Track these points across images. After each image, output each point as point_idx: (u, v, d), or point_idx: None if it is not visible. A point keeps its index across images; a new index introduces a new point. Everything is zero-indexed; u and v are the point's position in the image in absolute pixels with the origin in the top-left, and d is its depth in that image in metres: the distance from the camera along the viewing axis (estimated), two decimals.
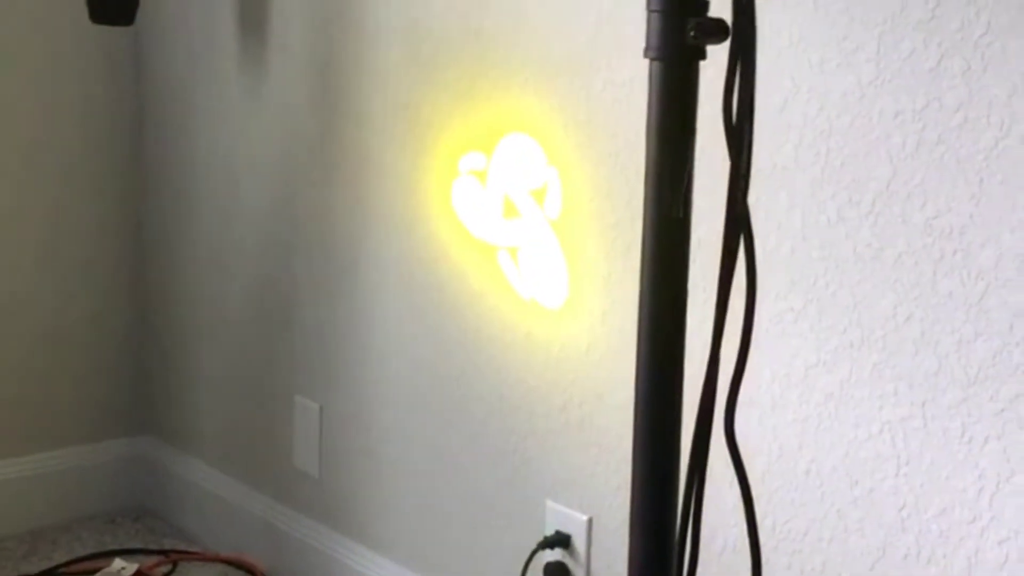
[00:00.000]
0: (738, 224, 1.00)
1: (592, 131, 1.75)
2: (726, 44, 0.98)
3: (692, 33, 0.97)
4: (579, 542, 1.83)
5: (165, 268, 2.64)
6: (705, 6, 0.98)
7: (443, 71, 1.97)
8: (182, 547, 2.54)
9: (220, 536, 2.53)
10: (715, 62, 1.00)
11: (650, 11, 0.99)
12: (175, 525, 2.64)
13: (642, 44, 1.00)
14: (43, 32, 2.50)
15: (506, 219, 1.86)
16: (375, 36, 2.08)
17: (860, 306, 1.46)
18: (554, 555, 1.86)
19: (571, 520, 1.84)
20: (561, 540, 1.85)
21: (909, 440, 1.43)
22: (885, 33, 1.41)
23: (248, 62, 2.35)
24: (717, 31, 0.97)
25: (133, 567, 2.42)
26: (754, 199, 1.01)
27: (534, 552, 1.86)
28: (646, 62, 1.01)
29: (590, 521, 1.82)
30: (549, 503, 1.87)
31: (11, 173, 2.51)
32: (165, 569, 2.45)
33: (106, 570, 2.41)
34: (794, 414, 1.54)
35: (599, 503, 1.80)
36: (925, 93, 1.38)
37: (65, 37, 2.52)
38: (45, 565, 2.43)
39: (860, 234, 1.45)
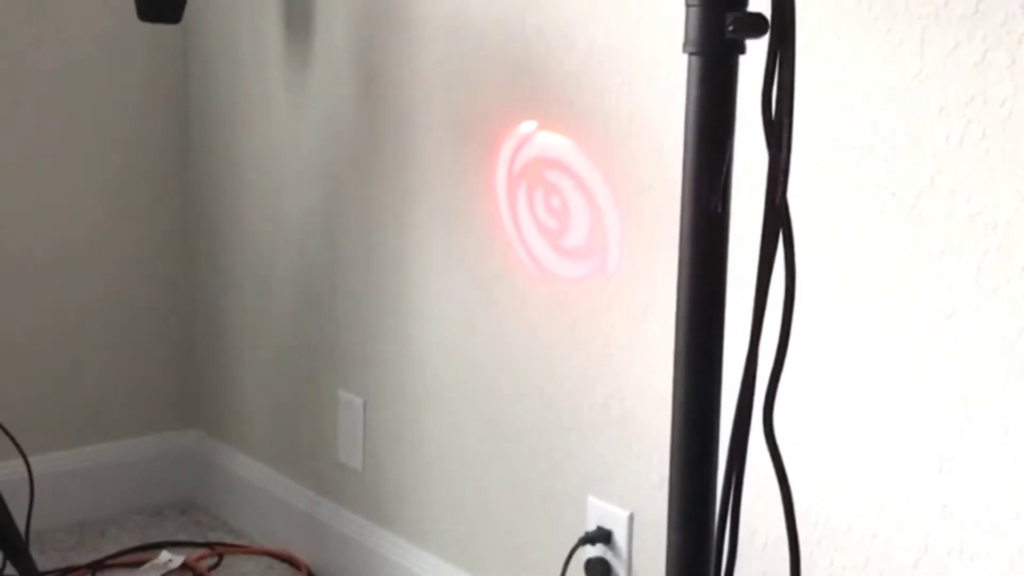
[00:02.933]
0: (777, 219, 0.99)
1: (634, 125, 1.75)
2: (766, 38, 0.98)
3: (731, 27, 0.97)
4: (620, 538, 1.83)
5: (212, 264, 2.66)
6: (744, 0, 0.98)
7: (486, 66, 1.97)
8: (228, 540, 2.57)
9: (265, 529, 2.55)
10: (755, 56, 1.00)
11: (689, 5, 0.99)
12: (221, 518, 2.66)
13: (682, 38, 1.00)
14: (91, 30, 2.53)
15: (549, 214, 1.86)
16: (419, 32, 2.09)
17: (902, 301, 1.45)
18: (595, 551, 1.86)
19: (612, 516, 1.84)
20: (602, 536, 1.85)
21: (951, 436, 1.42)
22: (929, 27, 1.39)
23: (293, 60, 2.37)
24: (756, 25, 0.97)
25: (179, 559, 2.45)
26: (794, 194, 1.01)
27: (575, 547, 1.86)
28: (687, 56, 1.01)
29: (631, 516, 1.82)
30: (591, 498, 1.87)
31: (60, 172, 2.54)
32: (211, 562, 2.47)
33: (153, 562, 2.44)
34: (835, 409, 1.54)
35: (641, 498, 1.80)
36: (969, 87, 1.37)
37: (113, 35, 2.54)
38: (93, 557, 2.45)
39: (903, 229, 1.44)
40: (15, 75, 2.47)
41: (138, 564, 2.44)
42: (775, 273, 1.01)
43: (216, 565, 2.47)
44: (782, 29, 0.96)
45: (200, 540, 2.56)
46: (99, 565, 2.43)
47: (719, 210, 0.98)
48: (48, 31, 2.48)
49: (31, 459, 2.22)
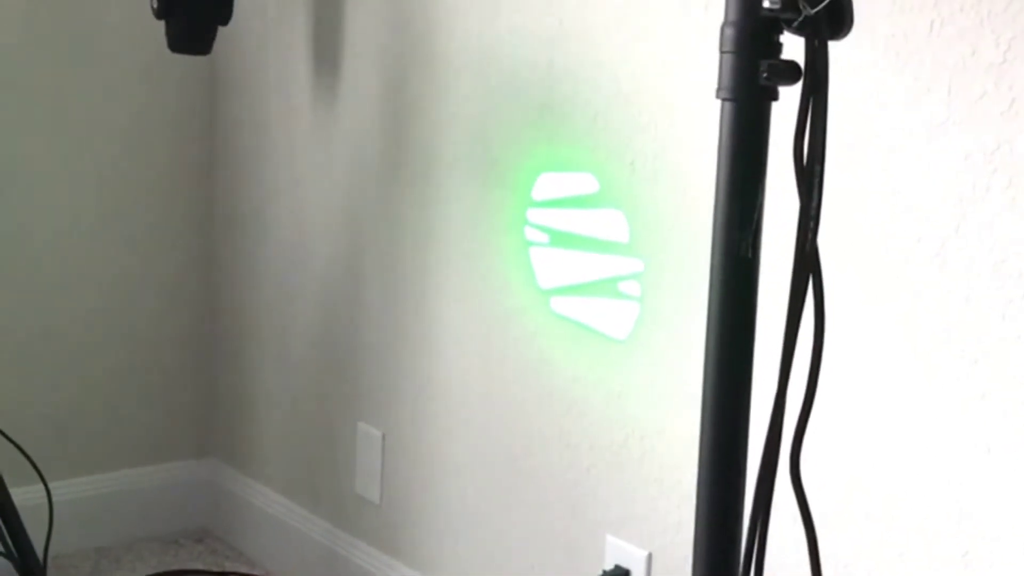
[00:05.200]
0: (807, 265, 1.00)
1: (659, 167, 1.75)
2: (798, 85, 0.99)
3: (765, 74, 0.98)
4: None
5: (233, 295, 2.67)
6: (778, 48, 0.99)
7: (513, 105, 1.98)
8: (243, 570, 2.57)
9: (281, 560, 2.54)
10: (787, 102, 1.01)
11: (723, 52, 1.00)
12: (236, 548, 2.66)
13: (713, 83, 1.01)
14: (121, 61, 2.55)
15: (572, 254, 1.87)
16: (446, 70, 2.10)
17: (926, 349, 1.45)
18: None
19: (630, 555, 1.84)
20: (620, 575, 1.85)
21: (972, 485, 1.42)
22: (956, 75, 1.40)
23: (320, 95, 2.39)
24: (789, 73, 0.98)
25: None
26: (822, 239, 1.01)
27: None
28: (716, 101, 1.02)
29: (650, 556, 1.82)
30: (609, 537, 1.87)
31: (85, 200, 2.56)
32: None
33: None
34: (857, 456, 1.54)
35: (659, 538, 1.80)
36: (996, 135, 1.37)
37: (143, 66, 2.56)
38: None
39: (927, 276, 1.45)
40: (49, 105, 2.49)
41: None
42: (803, 318, 1.02)
43: None
44: (815, 77, 0.97)
45: (216, 569, 2.56)
46: None
47: (750, 255, 0.99)
48: (82, 64, 2.50)
49: (51, 485, 2.22)
